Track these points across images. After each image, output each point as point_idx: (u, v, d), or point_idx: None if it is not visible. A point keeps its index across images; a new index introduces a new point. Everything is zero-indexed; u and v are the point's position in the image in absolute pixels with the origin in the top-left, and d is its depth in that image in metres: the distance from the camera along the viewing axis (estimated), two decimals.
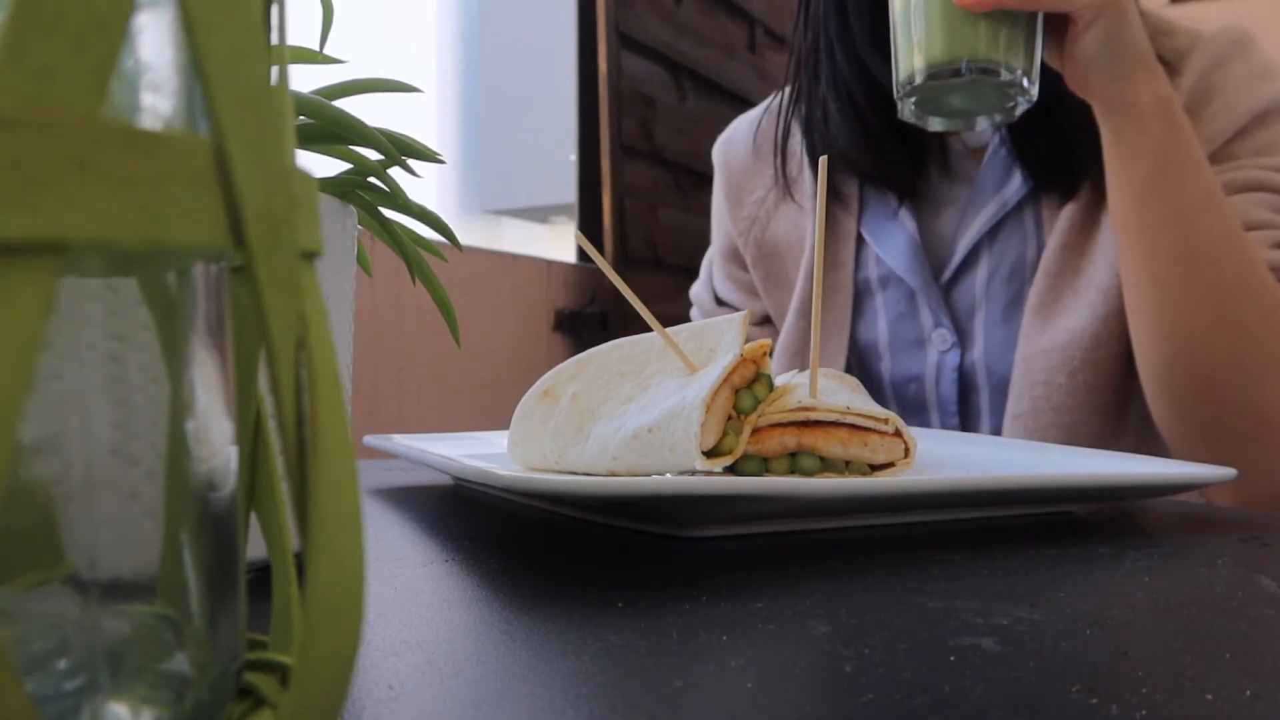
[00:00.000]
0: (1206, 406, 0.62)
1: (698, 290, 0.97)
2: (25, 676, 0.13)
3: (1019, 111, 0.58)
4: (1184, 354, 0.62)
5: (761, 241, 0.87)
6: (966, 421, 0.78)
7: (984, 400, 0.77)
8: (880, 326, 0.81)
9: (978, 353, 0.76)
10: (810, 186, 0.83)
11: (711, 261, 0.95)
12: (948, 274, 0.78)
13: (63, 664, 0.13)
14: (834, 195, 0.82)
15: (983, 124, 0.61)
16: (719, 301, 0.94)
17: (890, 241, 0.80)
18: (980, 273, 0.76)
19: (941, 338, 0.78)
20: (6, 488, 0.09)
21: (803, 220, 0.85)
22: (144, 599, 0.14)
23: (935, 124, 0.61)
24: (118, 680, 0.13)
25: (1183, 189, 0.60)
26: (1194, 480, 0.42)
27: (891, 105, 0.77)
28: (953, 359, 0.78)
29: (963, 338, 0.78)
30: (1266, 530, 0.39)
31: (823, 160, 0.46)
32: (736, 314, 0.43)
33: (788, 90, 0.82)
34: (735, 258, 0.91)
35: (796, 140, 0.83)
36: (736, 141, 0.92)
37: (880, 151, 0.77)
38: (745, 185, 0.90)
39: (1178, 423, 0.64)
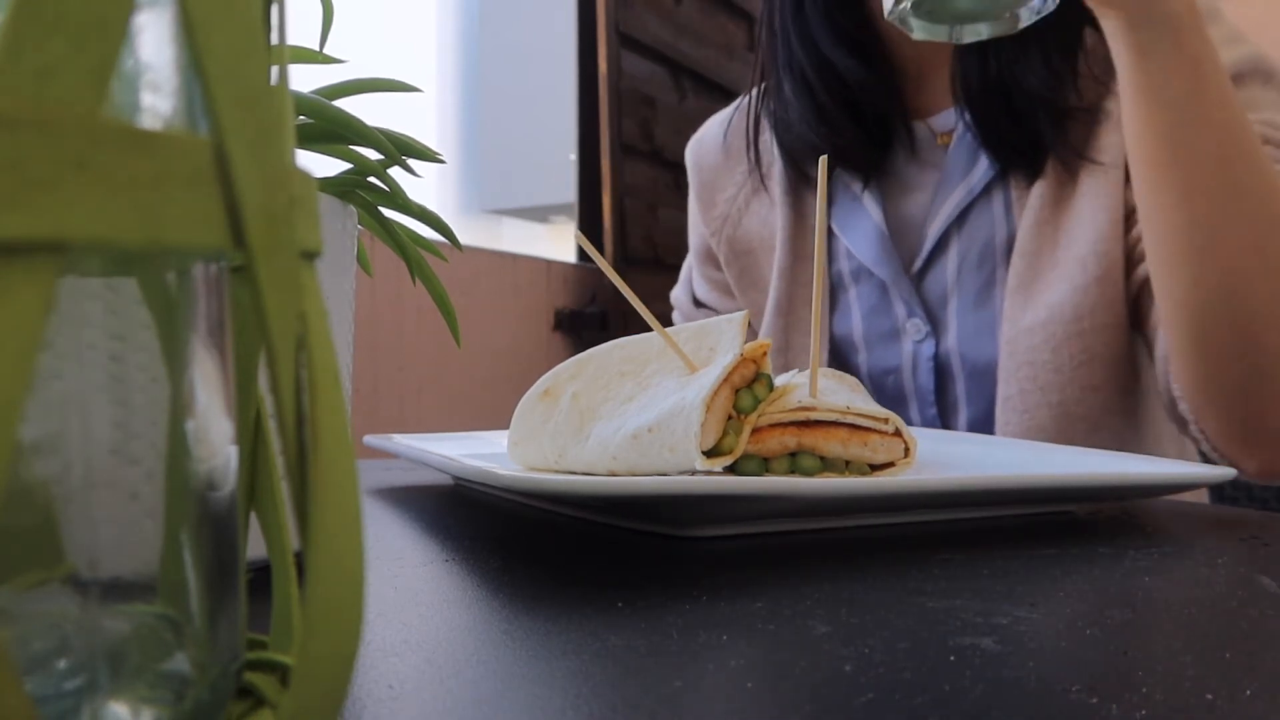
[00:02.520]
0: (1242, 358, 0.58)
1: (677, 293, 0.97)
2: (25, 676, 0.13)
3: (1022, 22, 0.50)
4: (1222, 302, 0.57)
5: (734, 239, 0.87)
6: (945, 411, 0.78)
7: (960, 388, 0.76)
8: (855, 320, 0.81)
9: (952, 341, 0.76)
10: (782, 181, 0.83)
11: (688, 269, 0.96)
12: (918, 263, 0.78)
13: (63, 664, 0.13)
14: (805, 183, 0.82)
15: (969, 34, 0.52)
16: (697, 303, 0.94)
17: (858, 234, 0.79)
18: (950, 260, 0.76)
19: (915, 328, 0.78)
20: (6, 488, 0.09)
21: (773, 216, 0.84)
22: (144, 599, 0.14)
23: (918, 30, 0.52)
24: (118, 680, 0.13)
25: (1222, 112, 0.55)
26: (1194, 480, 0.42)
27: (846, 86, 0.76)
28: (928, 349, 0.78)
29: (936, 326, 0.77)
30: (1266, 530, 0.39)
31: (822, 160, 0.45)
32: (736, 314, 0.43)
33: (755, 89, 0.83)
34: (710, 258, 0.91)
35: (769, 135, 0.84)
36: (707, 140, 0.92)
37: (835, 128, 0.77)
38: (717, 183, 0.89)
39: (1206, 382, 0.60)
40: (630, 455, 0.39)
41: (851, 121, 0.77)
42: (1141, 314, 0.69)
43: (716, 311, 0.92)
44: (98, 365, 0.14)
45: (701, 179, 0.91)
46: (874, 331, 0.80)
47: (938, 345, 0.77)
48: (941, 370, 0.78)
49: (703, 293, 0.93)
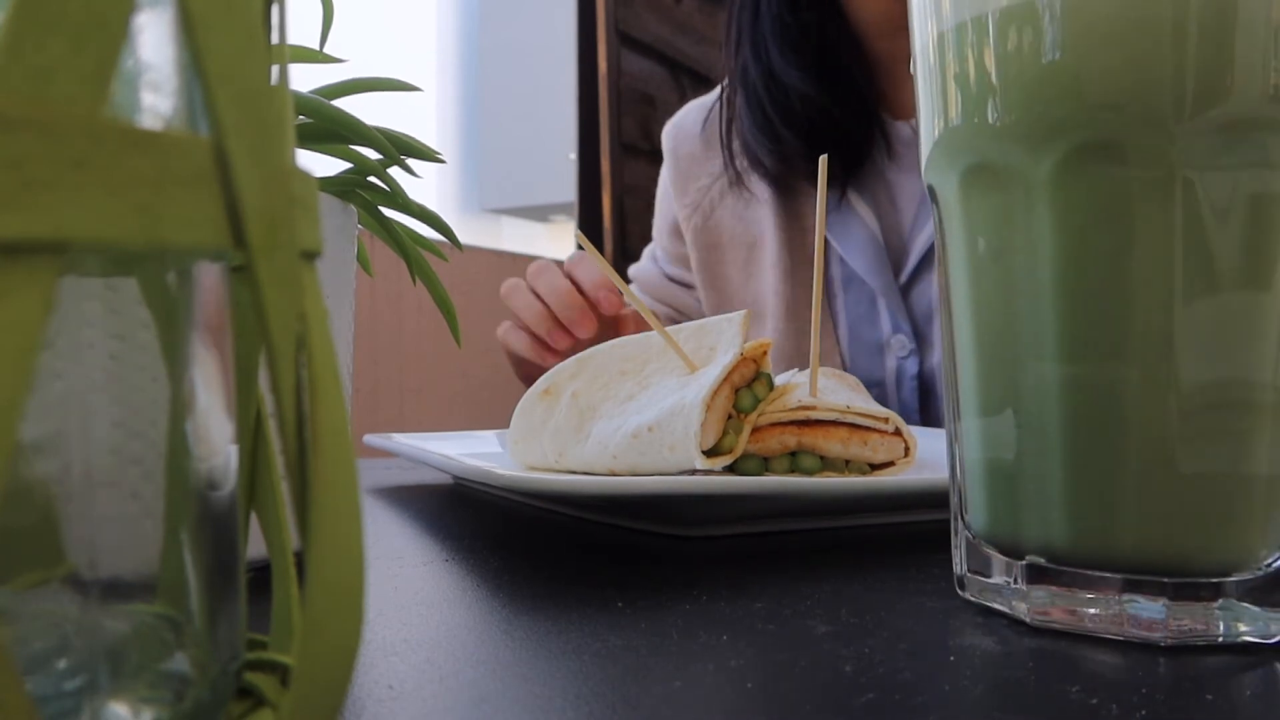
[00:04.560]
0: None
1: (642, 268, 0.94)
2: (25, 676, 0.13)
3: None
4: None
5: (701, 229, 0.86)
6: None
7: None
8: (841, 329, 0.79)
9: (937, 359, 0.74)
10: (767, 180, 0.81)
11: (655, 245, 0.94)
12: (904, 275, 0.75)
13: (63, 664, 0.13)
14: (785, 190, 0.80)
15: None
16: (669, 279, 0.92)
17: (852, 241, 0.77)
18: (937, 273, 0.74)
19: (900, 343, 0.76)
20: (6, 487, 0.09)
21: (751, 213, 0.82)
22: (144, 598, 0.14)
23: None
24: (118, 680, 0.13)
25: None
26: None
27: (793, 100, 0.72)
28: (911, 366, 0.75)
29: (921, 343, 0.75)
30: None
31: (822, 160, 0.45)
32: (736, 314, 0.43)
33: (727, 89, 0.81)
34: (678, 233, 0.90)
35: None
36: (685, 127, 0.91)
37: (783, 143, 0.75)
38: (691, 171, 0.88)
39: None
40: (630, 455, 0.39)
41: (801, 137, 0.75)
42: None
43: (687, 285, 0.90)
44: (98, 365, 0.14)
45: (678, 165, 0.89)
46: (858, 342, 0.78)
47: (922, 363, 0.75)
48: (926, 389, 0.75)
49: (672, 269, 0.92)
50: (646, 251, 0.96)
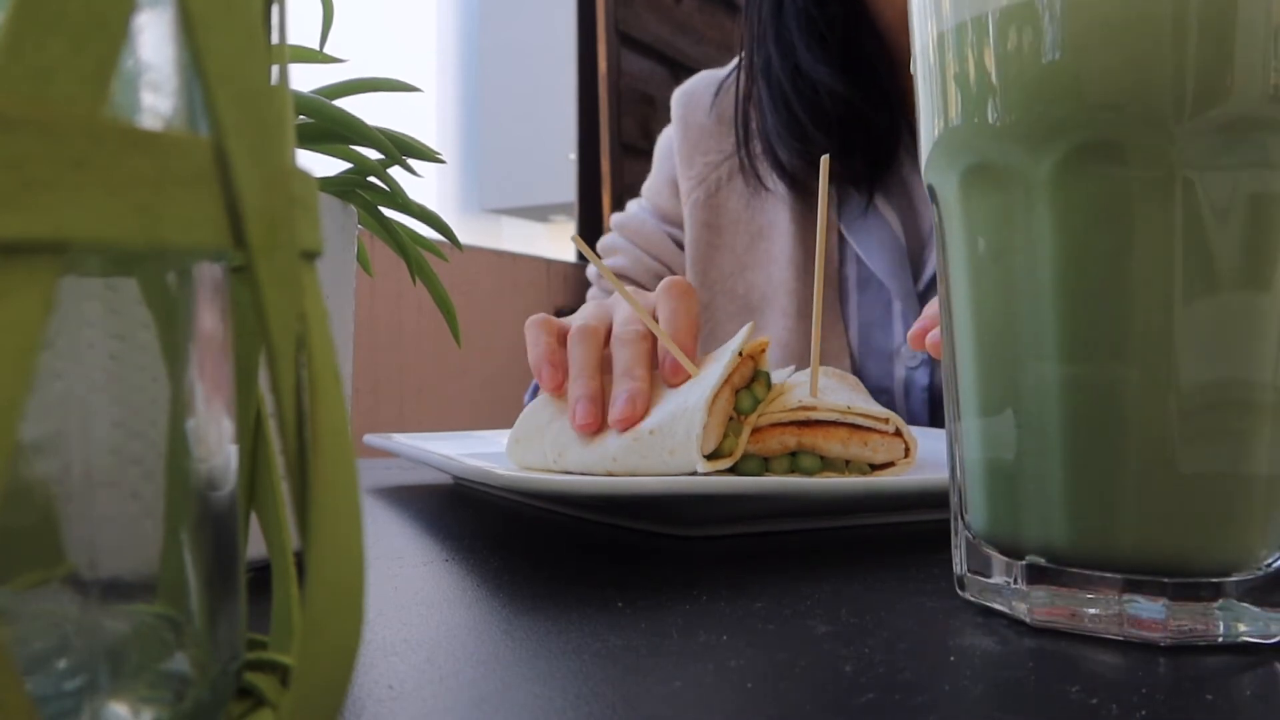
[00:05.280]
0: None
1: (633, 216, 0.89)
2: (25, 676, 0.13)
3: None
4: None
5: (703, 204, 0.82)
6: None
7: None
8: (852, 331, 0.76)
9: None
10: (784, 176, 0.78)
11: (645, 200, 0.90)
12: (923, 280, 0.72)
13: (63, 664, 0.13)
14: (800, 187, 0.77)
15: None
16: (664, 232, 0.87)
17: (873, 242, 0.74)
18: None
19: (910, 354, 0.73)
20: (6, 487, 0.09)
21: (760, 201, 0.79)
22: (144, 598, 0.14)
23: None
24: (118, 680, 0.13)
25: None
26: None
27: (820, 94, 0.68)
28: (922, 377, 0.73)
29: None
30: None
31: (824, 160, 0.45)
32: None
33: (743, 78, 0.78)
34: (677, 193, 0.86)
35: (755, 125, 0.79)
36: (697, 96, 0.87)
37: (813, 143, 0.72)
38: (700, 144, 0.84)
39: None
40: (630, 457, 0.39)
41: (832, 137, 0.72)
42: None
43: (681, 244, 0.85)
44: (98, 365, 0.14)
45: (687, 134, 0.85)
46: (868, 346, 0.75)
47: (933, 375, 0.72)
48: (936, 401, 0.72)
49: (665, 227, 0.88)
50: (631, 204, 0.91)
